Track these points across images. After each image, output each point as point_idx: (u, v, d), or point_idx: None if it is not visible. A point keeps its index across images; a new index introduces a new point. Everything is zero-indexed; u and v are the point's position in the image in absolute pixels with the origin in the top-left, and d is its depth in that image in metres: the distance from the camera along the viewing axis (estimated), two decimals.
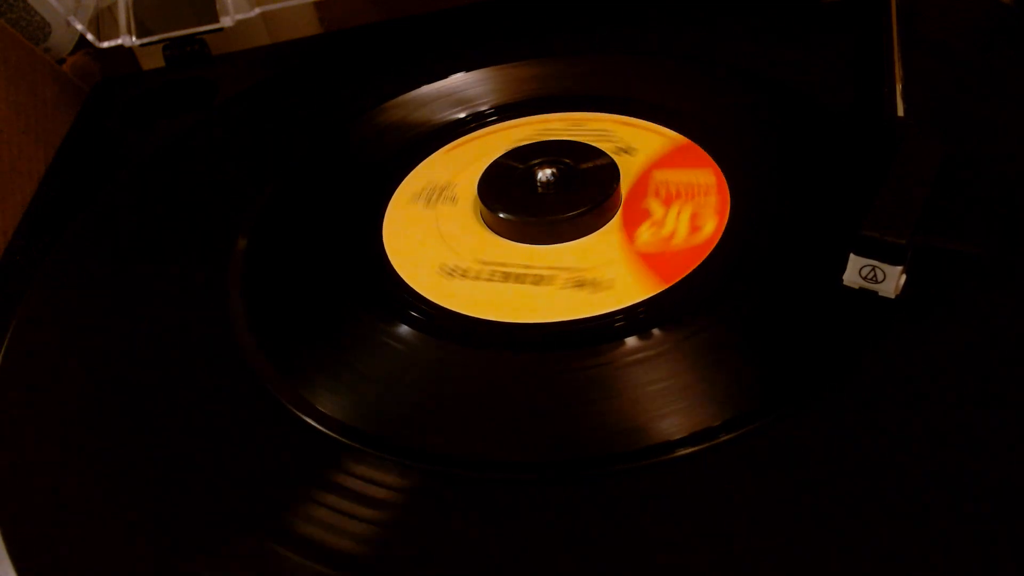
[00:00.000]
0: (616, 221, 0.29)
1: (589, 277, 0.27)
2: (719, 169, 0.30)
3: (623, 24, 0.41)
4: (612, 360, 0.24)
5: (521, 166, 0.31)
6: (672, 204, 0.29)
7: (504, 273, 0.27)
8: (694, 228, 0.28)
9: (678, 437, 0.22)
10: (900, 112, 0.30)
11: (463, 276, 0.28)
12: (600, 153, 0.31)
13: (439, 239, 0.30)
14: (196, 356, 0.27)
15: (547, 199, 0.30)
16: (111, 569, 0.21)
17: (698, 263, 0.27)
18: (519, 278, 0.27)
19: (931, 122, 0.30)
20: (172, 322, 0.29)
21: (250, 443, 0.24)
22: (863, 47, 0.35)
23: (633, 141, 0.33)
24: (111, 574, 0.21)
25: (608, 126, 0.34)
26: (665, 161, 0.31)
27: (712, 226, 0.28)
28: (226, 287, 0.30)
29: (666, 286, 0.26)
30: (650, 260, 0.27)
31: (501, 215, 0.29)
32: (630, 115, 0.34)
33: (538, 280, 0.27)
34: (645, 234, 0.28)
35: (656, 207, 0.29)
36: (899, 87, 0.31)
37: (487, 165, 0.32)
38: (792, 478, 0.20)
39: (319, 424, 0.24)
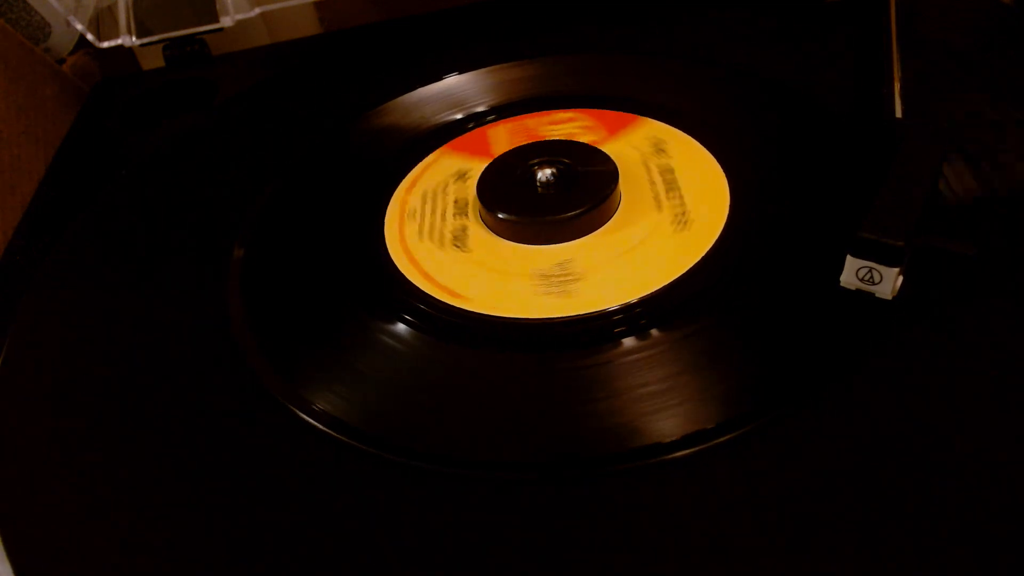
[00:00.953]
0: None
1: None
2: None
3: (623, 24, 0.41)
4: (610, 360, 0.24)
5: (520, 166, 0.31)
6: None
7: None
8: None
9: (675, 438, 0.22)
10: (899, 112, 0.30)
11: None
12: (599, 152, 0.31)
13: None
14: (196, 356, 0.27)
15: (548, 199, 0.30)
16: (110, 569, 0.21)
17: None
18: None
19: (931, 122, 0.30)
20: (172, 322, 0.29)
21: (250, 443, 0.24)
22: (863, 47, 0.35)
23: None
24: (110, 574, 0.21)
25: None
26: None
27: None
28: (226, 287, 0.30)
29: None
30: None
31: (500, 216, 0.29)
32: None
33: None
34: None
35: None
36: (898, 87, 0.31)
37: (484, 166, 0.32)
38: (789, 479, 0.20)
39: (319, 424, 0.24)
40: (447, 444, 0.23)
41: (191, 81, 0.45)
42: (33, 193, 0.38)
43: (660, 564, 0.19)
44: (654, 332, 0.25)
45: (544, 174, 0.30)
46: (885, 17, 0.35)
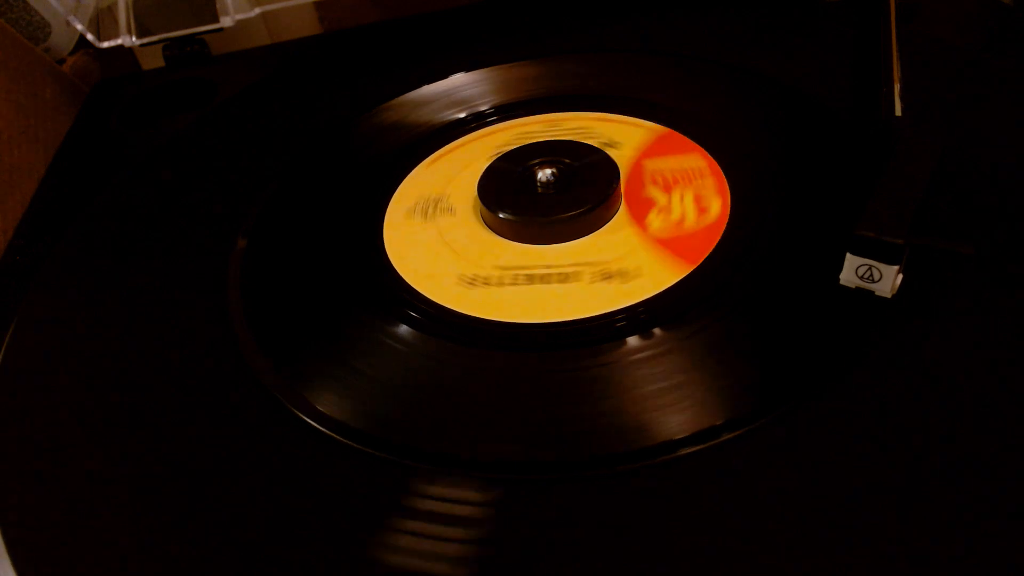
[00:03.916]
0: (622, 214, 0.29)
1: (615, 268, 0.27)
2: (719, 168, 0.31)
3: (622, 24, 0.41)
4: (614, 360, 0.24)
5: (519, 167, 0.31)
6: (672, 190, 0.30)
7: (528, 276, 0.27)
8: (701, 210, 0.28)
9: (679, 436, 0.22)
10: (899, 112, 0.30)
11: (485, 284, 0.27)
12: (597, 150, 0.31)
13: (449, 251, 0.29)
14: (196, 356, 0.27)
15: (549, 199, 0.30)
16: (110, 569, 0.21)
17: (717, 241, 0.27)
18: (544, 278, 0.27)
19: (930, 122, 0.30)
20: (172, 322, 0.29)
21: (250, 443, 0.24)
22: (863, 47, 0.35)
23: (616, 136, 0.33)
24: (110, 574, 0.21)
25: (587, 124, 0.34)
26: (653, 150, 0.32)
27: (718, 205, 0.28)
28: (226, 287, 0.30)
29: (692, 266, 0.27)
30: (669, 244, 0.28)
31: (502, 216, 0.29)
32: (628, 115, 0.34)
33: (564, 278, 0.27)
34: (656, 221, 0.28)
35: (658, 195, 0.30)
36: (898, 87, 0.31)
37: (483, 168, 0.32)
38: (789, 478, 0.20)
39: (319, 424, 0.24)
40: (447, 444, 0.23)
41: (191, 81, 0.45)
42: (33, 193, 0.38)
43: (669, 562, 0.19)
44: (656, 332, 0.25)
45: (544, 174, 0.30)
46: (885, 17, 0.35)
